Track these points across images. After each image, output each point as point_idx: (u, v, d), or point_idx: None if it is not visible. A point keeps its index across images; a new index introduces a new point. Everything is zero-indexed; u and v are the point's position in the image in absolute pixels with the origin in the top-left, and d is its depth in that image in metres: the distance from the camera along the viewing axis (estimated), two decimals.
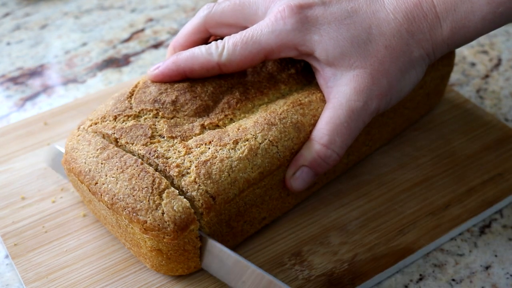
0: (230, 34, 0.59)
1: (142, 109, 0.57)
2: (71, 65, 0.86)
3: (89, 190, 0.54)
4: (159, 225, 0.50)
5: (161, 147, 0.54)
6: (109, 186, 0.52)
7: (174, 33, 0.93)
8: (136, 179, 0.51)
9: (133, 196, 0.51)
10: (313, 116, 0.58)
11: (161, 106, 0.57)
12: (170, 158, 0.53)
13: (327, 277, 0.57)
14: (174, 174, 0.52)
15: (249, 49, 0.57)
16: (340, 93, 0.56)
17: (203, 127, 0.56)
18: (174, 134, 0.55)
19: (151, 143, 0.54)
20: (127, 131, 0.55)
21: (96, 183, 0.53)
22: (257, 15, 0.59)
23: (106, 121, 0.56)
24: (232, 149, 0.54)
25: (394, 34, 0.56)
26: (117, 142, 0.55)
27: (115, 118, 0.56)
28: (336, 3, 0.57)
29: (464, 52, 0.89)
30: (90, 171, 0.54)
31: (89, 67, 0.86)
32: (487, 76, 0.85)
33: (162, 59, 0.87)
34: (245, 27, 0.60)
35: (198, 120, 0.56)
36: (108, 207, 0.53)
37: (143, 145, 0.54)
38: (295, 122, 0.56)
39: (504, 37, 0.93)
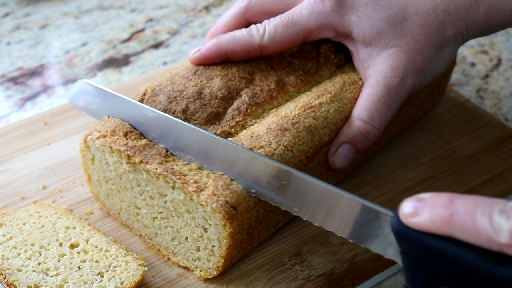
0: None
1: None
2: (71, 65, 0.86)
3: None
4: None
5: (177, 165, 0.53)
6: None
7: (174, 33, 0.93)
8: None
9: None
10: (325, 118, 0.58)
11: (172, 116, 0.56)
12: (187, 175, 0.53)
13: (327, 277, 0.57)
14: (193, 190, 0.52)
15: (289, 30, 0.59)
16: (377, 71, 0.58)
17: None
18: None
19: (166, 161, 0.54)
20: (141, 149, 0.54)
21: None
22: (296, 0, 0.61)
23: (115, 136, 0.56)
24: None
25: (429, 13, 0.58)
26: (130, 159, 0.54)
27: (125, 134, 0.56)
28: None
29: (464, 52, 0.89)
30: None
31: (89, 67, 0.86)
32: (487, 76, 0.85)
33: (162, 59, 0.87)
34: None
35: (209, 128, 0.56)
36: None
37: (159, 163, 0.53)
38: (308, 126, 0.56)
39: (504, 37, 0.93)
